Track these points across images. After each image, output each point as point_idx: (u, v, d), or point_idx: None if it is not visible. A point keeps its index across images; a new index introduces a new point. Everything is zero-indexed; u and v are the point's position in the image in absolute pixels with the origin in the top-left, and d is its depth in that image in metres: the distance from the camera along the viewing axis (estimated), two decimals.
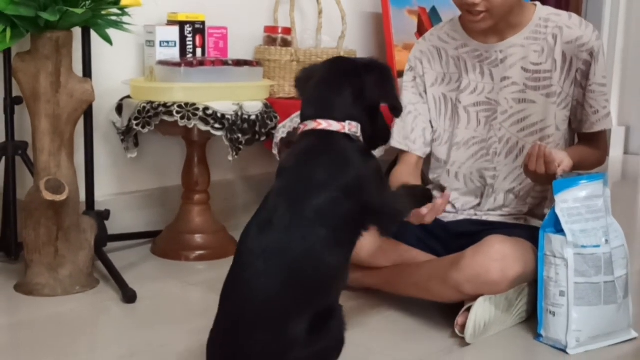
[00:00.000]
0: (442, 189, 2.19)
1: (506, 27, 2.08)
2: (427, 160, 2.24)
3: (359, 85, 1.60)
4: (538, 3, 2.14)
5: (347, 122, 1.57)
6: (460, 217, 2.17)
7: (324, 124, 1.57)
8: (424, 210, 1.75)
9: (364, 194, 1.53)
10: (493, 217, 2.15)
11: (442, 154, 2.19)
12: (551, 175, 1.91)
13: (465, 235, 2.08)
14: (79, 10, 1.98)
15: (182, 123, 2.33)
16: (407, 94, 2.20)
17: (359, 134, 1.59)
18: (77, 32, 2.25)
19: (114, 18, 2.14)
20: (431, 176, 2.23)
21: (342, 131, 1.57)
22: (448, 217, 2.18)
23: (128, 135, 2.47)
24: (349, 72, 1.62)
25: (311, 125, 1.58)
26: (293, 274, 1.45)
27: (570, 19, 2.08)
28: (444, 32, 2.20)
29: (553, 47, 2.07)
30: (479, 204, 2.17)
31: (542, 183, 2.00)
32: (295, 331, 1.44)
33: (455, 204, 2.18)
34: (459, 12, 2.10)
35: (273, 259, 1.45)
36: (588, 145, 2.15)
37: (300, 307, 1.46)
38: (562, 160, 1.92)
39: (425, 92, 2.19)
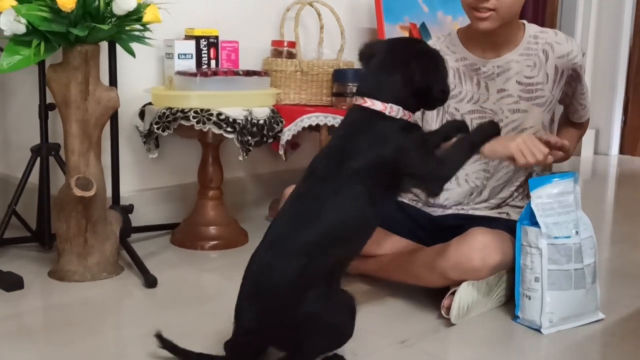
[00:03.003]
0: None
1: (503, 42, 2.05)
2: None
3: (409, 70, 1.62)
4: (525, 21, 2.12)
5: (390, 104, 1.61)
6: (448, 211, 2.17)
7: (369, 103, 1.61)
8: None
9: (404, 164, 1.58)
10: (479, 211, 2.15)
11: None
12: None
13: (451, 227, 2.07)
14: (105, 26, 1.99)
15: (197, 127, 2.33)
16: None
17: (398, 116, 1.61)
18: (104, 45, 2.25)
19: (137, 33, 2.13)
20: None
21: (384, 111, 1.60)
22: (437, 212, 2.17)
23: (149, 138, 2.48)
24: (403, 57, 1.64)
25: (359, 101, 1.63)
26: (320, 221, 1.50)
27: (557, 36, 2.08)
28: (444, 45, 2.16)
29: (544, 61, 2.06)
30: (467, 200, 2.17)
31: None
32: (314, 294, 1.46)
33: (445, 203, 2.17)
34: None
35: (304, 214, 1.52)
36: (575, 126, 2.31)
37: (322, 256, 1.48)
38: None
39: None
